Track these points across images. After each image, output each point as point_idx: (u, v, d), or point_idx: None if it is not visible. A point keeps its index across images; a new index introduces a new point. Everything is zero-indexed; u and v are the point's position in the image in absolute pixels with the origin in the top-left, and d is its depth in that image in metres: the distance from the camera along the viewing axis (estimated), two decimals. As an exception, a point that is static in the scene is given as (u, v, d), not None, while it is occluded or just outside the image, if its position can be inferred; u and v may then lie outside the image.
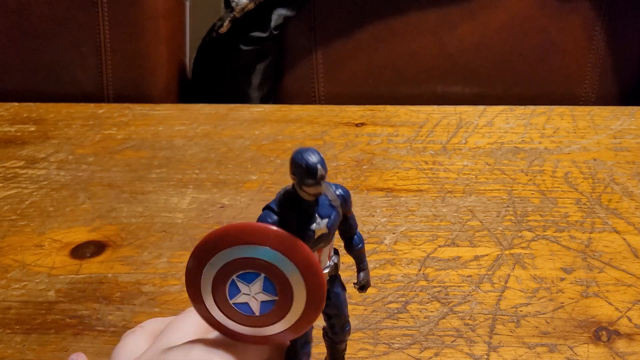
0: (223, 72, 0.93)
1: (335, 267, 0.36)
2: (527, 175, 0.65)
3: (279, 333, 0.34)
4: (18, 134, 0.74)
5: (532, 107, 0.76)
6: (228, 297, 0.33)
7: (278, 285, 0.32)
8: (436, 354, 0.47)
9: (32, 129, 0.75)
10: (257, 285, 0.32)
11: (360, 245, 0.37)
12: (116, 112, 0.78)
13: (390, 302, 0.51)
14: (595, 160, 0.67)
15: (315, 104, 0.95)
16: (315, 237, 0.33)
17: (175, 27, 0.93)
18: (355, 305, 0.51)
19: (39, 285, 0.54)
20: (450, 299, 0.51)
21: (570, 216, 0.59)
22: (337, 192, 0.34)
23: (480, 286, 0.52)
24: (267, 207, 0.33)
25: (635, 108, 0.76)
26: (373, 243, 0.57)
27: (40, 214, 0.62)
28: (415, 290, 0.52)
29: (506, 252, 0.56)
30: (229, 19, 0.87)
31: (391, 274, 0.54)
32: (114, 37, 0.89)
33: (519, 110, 0.76)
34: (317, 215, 0.33)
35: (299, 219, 0.32)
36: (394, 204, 0.62)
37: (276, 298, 0.33)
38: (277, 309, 0.33)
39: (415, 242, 0.57)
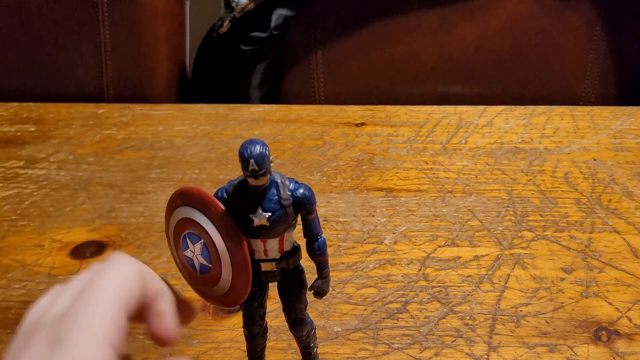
0: (223, 72, 0.93)
1: (287, 261, 0.36)
2: (527, 175, 0.65)
3: (217, 297, 0.36)
4: (18, 134, 0.74)
5: (532, 107, 0.76)
6: (181, 249, 0.36)
7: (212, 256, 0.34)
8: (436, 354, 0.47)
9: (32, 129, 0.75)
10: (198, 247, 0.35)
11: (319, 252, 0.36)
12: (116, 112, 0.78)
13: (390, 302, 0.51)
14: (595, 160, 0.67)
15: (315, 104, 0.95)
16: (254, 225, 0.34)
17: (175, 27, 0.93)
18: (355, 305, 0.51)
19: (39, 285, 0.54)
20: (450, 299, 0.51)
21: (570, 216, 0.59)
22: (296, 193, 0.34)
23: (480, 286, 0.52)
24: (223, 187, 0.35)
25: (635, 108, 0.76)
26: (373, 243, 0.57)
27: (40, 214, 0.62)
28: (415, 290, 0.52)
29: (506, 252, 0.56)
30: (229, 19, 0.87)
31: (391, 274, 0.54)
32: (114, 37, 0.89)
33: (519, 110, 0.76)
34: (260, 207, 0.34)
35: (241, 205, 0.34)
36: (394, 204, 0.62)
37: (210, 266, 0.35)
38: (211, 275, 0.35)
39: (415, 242, 0.57)
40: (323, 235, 0.36)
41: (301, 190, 0.35)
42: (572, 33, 0.91)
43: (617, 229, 0.58)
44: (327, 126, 0.74)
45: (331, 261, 0.55)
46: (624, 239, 0.57)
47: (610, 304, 0.50)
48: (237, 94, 0.93)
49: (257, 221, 0.34)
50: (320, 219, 0.36)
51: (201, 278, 0.36)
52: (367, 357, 0.47)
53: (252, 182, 0.33)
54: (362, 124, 0.74)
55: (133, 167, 0.68)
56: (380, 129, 0.73)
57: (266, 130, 0.73)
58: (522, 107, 0.76)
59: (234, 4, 0.86)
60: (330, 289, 0.52)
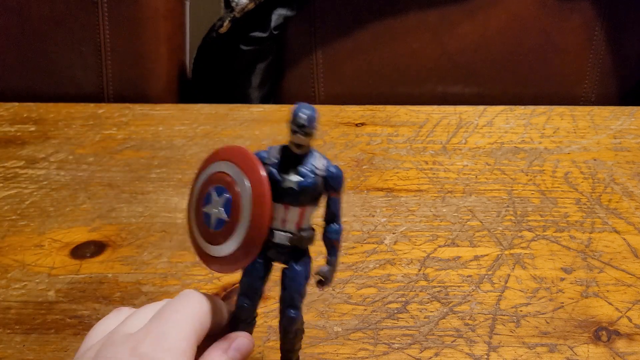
0: (223, 72, 0.93)
1: (300, 239, 0.37)
2: (527, 175, 0.65)
3: (219, 257, 0.37)
4: (18, 134, 0.74)
5: (532, 107, 0.76)
6: (203, 203, 0.37)
7: (233, 208, 0.36)
8: (436, 354, 0.47)
9: (32, 129, 0.75)
10: (222, 200, 0.36)
11: (334, 237, 0.37)
12: (116, 112, 0.78)
13: (390, 302, 0.51)
14: (595, 160, 0.67)
15: (315, 104, 0.95)
16: (283, 186, 0.35)
17: (175, 27, 0.93)
18: (355, 305, 0.51)
19: (39, 285, 0.54)
20: (450, 299, 0.51)
21: (570, 216, 0.59)
22: (328, 167, 0.36)
23: (480, 286, 0.52)
24: (263, 150, 0.37)
25: (635, 108, 0.76)
26: (373, 243, 0.57)
27: (40, 214, 0.62)
28: (415, 290, 0.52)
29: (506, 252, 0.56)
30: (229, 19, 0.87)
31: (391, 274, 0.54)
32: (114, 37, 0.89)
33: (519, 110, 0.76)
34: (294, 170, 0.36)
35: (278, 165, 0.36)
36: (394, 204, 0.62)
37: (227, 219, 0.36)
38: (225, 229, 0.36)
39: (415, 242, 0.57)
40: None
41: (335, 168, 0.36)
42: (572, 33, 0.91)
43: (617, 229, 0.58)
44: (327, 126, 0.74)
45: (331, 261, 0.55)
46: (624, 239, 0.57)
47: (610, 304, 0.50)
48: (237, 94, 0.93)
49: (288, 182, 0.35)
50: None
51: (212, 234, 0.37)
52: (367, 357, 0.47)
53: (296, 139, 0.35)
54: (362, 124, 0.74)
55: (133, 167, 0.68)
56: (380, 129, 0.73)
57: (266, 130, 0.73)
58: (522, 107, 0.76)
59: (234, 4, 0.86)
60: (330, 289, 0.52)
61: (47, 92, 0.90)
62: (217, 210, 0.36)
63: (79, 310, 0.52)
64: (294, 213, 0.36)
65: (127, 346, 0.33)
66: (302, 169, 0.36)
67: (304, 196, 0.36)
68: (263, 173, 0.35)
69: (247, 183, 0.35)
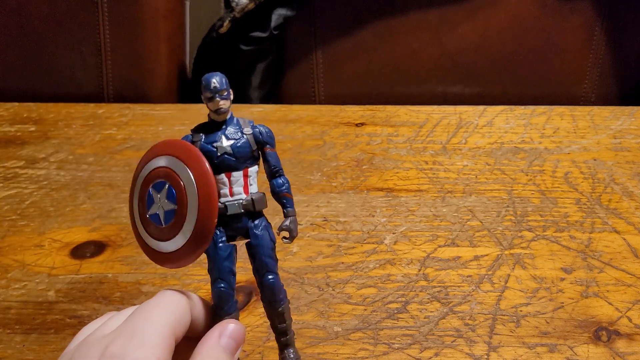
0: (223, 72, 0.93)
1: (252, 202, 0.37)
2: (527, 175, 0.65)
3: (177, 250, 0.36)
4: (18, 134, 0.74)
5: (532, 107, 0.76)
6: (146, 209, 0.37)
7: (177, 193, 0.36)
8: (436, 354, 0.47)
9: (32, 129, 0.75)
10: (164, 193, 0.36)
11: (282, 188, 0.38)
12: (116, 112, 0.78)
13: (390, 302, 0.51)
14: (595, 160, 0.67)
15: (315, 104, 0.95)
16: (219, 154, 0.36)
17: (175, 27, 0.93)
18: (355, 305, 0.51)
19: (39, 285, 0.54)
20: (450, 299, 0.51)
21: (570, 216, 0.59)
22: (254, 126, 0.38)
23: (480, 286, 0.52)
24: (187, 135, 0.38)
25: (635, 108, 0.76)
26: (373, 243, 0.57)
27: (40, 214, 0.62)
28: (415, 290, 0.52)
29: (506, 252, 0.56)
30: (229, 19, 0.87)
31: (391, 274, 0.54)
32: (114, 37, 0.89)
33: (519, 110, 0.76)
34: (223, 135, 0.37)
35: (206, 136, 0.37)
36: (394, 204, 0.62)
37: (175, 207, 0.36)
38: (176, 219, 0.36)
39: (415, 242, 0.57)
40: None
41: (261, 127, 0.38)
42: (572, 33, 0.91)
43: (617, 229, 0.58)
44: (327, 126, 0.74)
45: (331, 261, 0.55)
46: (624, 239, 0.57)
47: (610, 304, 0.50)
48: (237, 94, 0.93)
49: (221, 149, 0.36)
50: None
51: (164, 230, 0.36)
52: (367, 357, 0.47)
53: (211, 105, 0.36)
54: (362, 124, 0.74)
55: (133, 167, 0.68)
56: (380, 129, 0.73)
57: (266, 130, 0.73)
58: (522, 107, 0.76)
59: (234, 4, 0.86)
60: (330, 289, 0.52)
61: (47, 92, 0.90)
62: (162, 205, 0.36)
63: (79, 310, 0.52)
64: (238, 179, 0.37)
65: (99, 347, 0.32)
66: (230, 133, 0.37)
67: (241, 158, 0.37)
68: (194, 148, 0.36)
69: (182, 164, 0.36)
